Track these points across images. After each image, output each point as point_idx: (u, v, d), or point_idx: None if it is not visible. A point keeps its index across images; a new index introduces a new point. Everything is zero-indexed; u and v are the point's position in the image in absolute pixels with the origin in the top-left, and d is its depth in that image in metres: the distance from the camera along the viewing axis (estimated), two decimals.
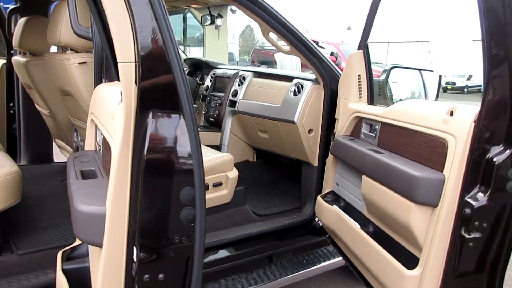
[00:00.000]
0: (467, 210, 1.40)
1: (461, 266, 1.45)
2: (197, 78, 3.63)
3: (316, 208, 2.44)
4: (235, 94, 3.08)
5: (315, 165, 2.68)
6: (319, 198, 2.40)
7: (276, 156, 3.10)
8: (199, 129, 3.15)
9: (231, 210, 2.55)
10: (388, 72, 2.36)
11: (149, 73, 1.02)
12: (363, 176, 1.94)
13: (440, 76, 2.47)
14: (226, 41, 18.67)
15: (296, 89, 2.68)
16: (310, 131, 2.63)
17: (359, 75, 2.26)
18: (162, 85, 1.04)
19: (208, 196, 2.37)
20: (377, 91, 2.37)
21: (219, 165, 2.43)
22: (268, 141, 2.98)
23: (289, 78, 2.78)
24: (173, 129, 1.03)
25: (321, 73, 2.51)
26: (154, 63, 1.02)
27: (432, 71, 2.48)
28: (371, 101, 2.26)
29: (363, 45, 2.23)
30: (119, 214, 1.02)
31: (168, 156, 1.03)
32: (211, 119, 3.33)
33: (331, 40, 13.52)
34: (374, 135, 2.04)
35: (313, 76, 2.64)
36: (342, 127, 2.34)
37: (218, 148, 3.19)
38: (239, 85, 3.10)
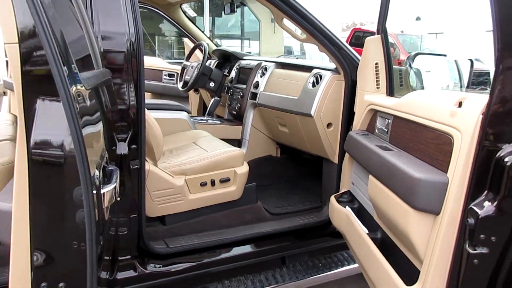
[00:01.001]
0: (471, 220, 1.17)
1: (465, 286, 1.22)
2: (226, 70, 3.54)
3: (329, 208, 2.24)
4: (256, 85, 2.94)
5: (335, 162, 2.48)
6: (332, 198, 2.21)
7: (300, 152, 2.92)
8: (218, 122, 3.07)
9: (241, 207, 2.43)
10: (411, 59, 2.10)
11: (27, 55, 0.92)
12: (369, 176, 1.73)
13: (472, 62, 2.16)
14: (282, 34, 18.41)
15: (315, 80, 2.48)
16: (329, 125, 2.43)
17: (376, 63, 2.04)
18: (38, 69, 0.93)
19: (214, 192, 2.27)
20: (401, 81, 2.13)
21: (227, 160, 2.31)
22: (288, 136, 2.82)
23: (309, 69, 2.59)
24: (52, 118, 0.93)
25: (341, 62, 2.30)
26: (30, 45, 0.92)
27: (445, 55, 2.17)
28: (390, 92, 2.02)
29: (381, 30, 2.00)
30: (21, 214, 0.94)
31: (54, 151, 0.93)
32: (233, 112, 3.21)
33: (390, 30, 12.77)
34: (387, 130, 1.81)
35: (334, 66, 2.43)
36: (358, 121, 2.13)
37: (239, 142, 3.08)
38: (261, 77, 2.96)
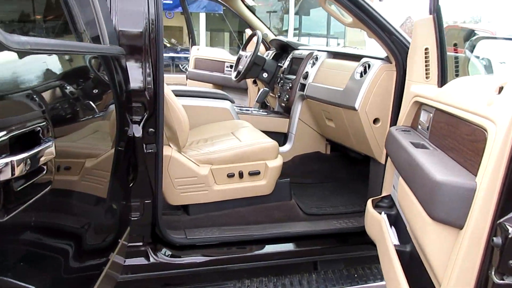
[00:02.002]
0: (498, 239, 0.89)
1: None
2: (283, 61, 3.38)
3: (365, 213, 1.99)
4: (306, 76, 2.74)
5: (382, 162, 2.21)
6: (369, 202, 1.95)
7: (348, 150, 2.67)
8: (265, 113, 2.93)
9: (271, 204, 2.27)
10: (471, 45, 1.77)
11: None
12: (399, 178, 1.47)
13: None
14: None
15: (363, 70, 2.23)
16: (375, 120, 2.16)
17: (426, 49, 1.74)
18: None
19: (242, 185, 2.15)
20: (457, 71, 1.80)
21: (258, 152, 2.17)
22: (335, 131, 2.58)
23: (360, 58, 2.34)
24: None
25: (392, 49, 2.03)
26: None
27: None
28: (442, 83, 1.72)
29: (434, 9, 1.70)
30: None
31: None
32: (282, 104, 3.05)
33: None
34: (428, 125, 1.53)
35: (385, 55, 2.16)
36: (402, 115, 1.85)
37: (285, 136, 2.90)
38: (311, 67, 2.76)
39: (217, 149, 2.13)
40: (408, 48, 2.01)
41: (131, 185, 1.75)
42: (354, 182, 2.77)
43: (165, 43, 16.43)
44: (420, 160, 1.23)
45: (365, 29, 2.07)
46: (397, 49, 2.02)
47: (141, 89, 1.70)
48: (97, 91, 1.44)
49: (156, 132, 1.77)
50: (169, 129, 1.98)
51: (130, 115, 1.70)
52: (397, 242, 1.57)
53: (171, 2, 13.66)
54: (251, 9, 3.70)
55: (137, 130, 1.73)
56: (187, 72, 4.68)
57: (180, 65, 14.86)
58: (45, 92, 1.00)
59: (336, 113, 2.41)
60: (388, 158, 1.97)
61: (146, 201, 1.82)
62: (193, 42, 4.77)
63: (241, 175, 2.14)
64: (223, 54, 4.45)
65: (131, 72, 1.69)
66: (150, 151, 1.76)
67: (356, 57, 2.39)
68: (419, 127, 1.66)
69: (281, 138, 2.91)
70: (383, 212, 1.82)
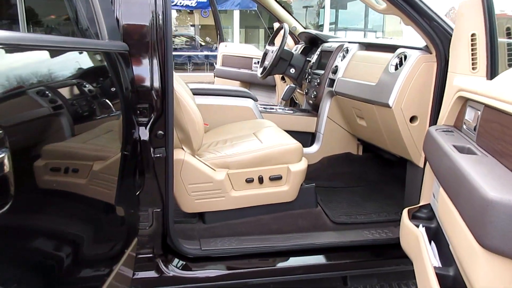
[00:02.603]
0: None
1: None
2: (312, 56, 3.16)
3: (400, 225, 1.75)
4: (335, 71, 2.52)
5: (420, 166, 1.96)
6: (404, 212, 1.71)
7: (382, 151, 2.42)
8: (291, 112, 2.72)
9: (295, 211, 2.07)
10: None
11: None
12: (440, 188, 1.24)
13: None
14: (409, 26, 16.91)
15: (398, 62, 1.98)
16: (413, 119, 1.92)
17: (473, 35, 1.49)
18: None
19: (262, 190, 1.97)
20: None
21: (280, 154, 1.97)
22: (367, 130, 2.34)
23: (393, 48, 2.09)
24: None
25: (432, 38, 1.78)
26: None
27: None
28: (492, 75, 1.46)
29: None
30: None
31: None
32: (310, 101, 2.83)
33: None
34: (475, 124, 1.28)
35: (423, 44, 1.91)
36: (444, 112, 1.61)
37: (313, 136, 2.69)
38: (341, 60, 2.53)
39: (235, 152, 1.96)
40: (451, 36, 1.75)
41: (138, 192, 1.61)
42: (389, 187, 2.52)
43: (200, 41, 16.63)
44: (466, 170, 1.00)
45: (400, 16, 1.84)
46: (438, 37, 1.77)
47: (147, 88, 1.55)
48: (102, 91, 1.31)
49: (166, 134, 1.62)
50: (181, 131, 1.83)
51: (136, 117, 1.56)
52: (437, 263, 1.33)
53: (206, 0, 13.67)
54: (279, 1, 3.49)
55: (143, 133, 1.58)
56: (214, 70, 4.55)
57: (214, 63, 14.88)
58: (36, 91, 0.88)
59: (368, 111, 2.18)
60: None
61: (155, 210, 1.67)
62: (221, 39, 4.62)
63: (261, 180, 1.95)
64: (251, 50, 4.27)
65: (136, 70, 1.54)
66: (158, 155, 1.60)
67: (391, 48, 2.15)
68: (464, 127, 1.41)
69: (308, 138, 2.70)
70: (421, 225, 1.58)
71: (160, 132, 1.61)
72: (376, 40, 2.79)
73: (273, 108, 2.71)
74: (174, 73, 2.21)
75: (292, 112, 2.71)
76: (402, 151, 2.05)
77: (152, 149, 1.60)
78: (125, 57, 1.48)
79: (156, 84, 1.56)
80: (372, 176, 2.63)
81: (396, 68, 1.97)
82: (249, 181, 1.94)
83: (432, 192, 1.69)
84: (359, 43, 2.50)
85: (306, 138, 2.68)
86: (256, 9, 14.17)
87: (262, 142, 2.05)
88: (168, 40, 1.55)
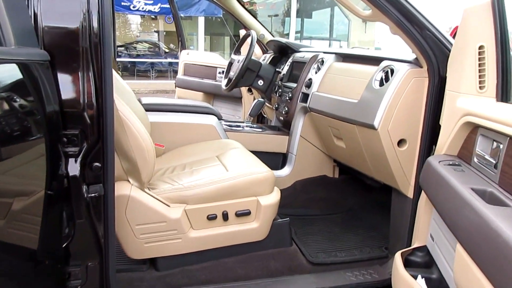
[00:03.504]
0: None
1: None
2: (281, 66, 2.87)
3: (392, 271, 1.47)
4: (309, 84, 2.24)
5: (409, 196, 1.70)
6: (397, 256, 1.44)
7: (363, 176, 2.15)
8: (259, 130, 2.41)
9: (266, 251, 1.76)
10: None
11: None
12: (457, 245, 0.96)
13: None
14: (373, 34, 17.17)
15: (384, 76, 1.72)
16: (401, 142, 1.66)
17: (481, 47, 1.23)
18: None
19: (227, 229, 1.64)
20: None
21: (248, 184, 1.66)
22: (346, 153, 2.07)
23: (377, 61, 1.83)
24: None
25: (423, 49, 1.53)
26: None
27: None
28: (504, 96, 1.21)
29: None
30: None
31: None
32: (280, 117, 2.54)
33: None
34: (495, 161, 1.02)
35: (413, 57, 1.66)
36: (445, 140, 1.34)
37: (284, 157, 2.39)
38: (316, 73, 2.25)
39: (194, 182, 1.62)
40: (446, 48, 1.51)
41: (65, 244, 1.25)
42: (370, 215, 2.26)
43: (163, 48, 16.14)
44: (507, 234, 0.72)
45: (387, 22, 1.58)
46: (431, 49, 1.52)
47: (78, 109, 1.20)
48: (10, 114, 0.98)
49: (104, 166, 1.27)
50: (126, 160, 1.48)
51: (63, 146, 1.20)
52: None
53: (169, 6, 13.26)
54: (245, 6, 3.20)
55: (73, 167, 1.22)
56: (175, 80, 4.20)
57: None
58: None
59: (348, 131, 1.90)
60: (423, 195, 1.46)
61: (89, 264, 1.31)
62: (183, 46, 4.27)
63: (225, 216, 1.63)
64: (215, 58, 3.95)
65: (63, 86, 1.19)
66: (94, 195, 1.25)
67: (373, 60, 1.89)
68: (475, 160, 1.15)
69: (279, 159, 2.40)
70: (419, 276, 1.31)
71: (97, 164, 1.26)
72: (355, 50, 2.53)
73: (239, 126, 2.40)
74: (122, 84, 1.86)
75: (261, 130, 2.40)
76: (388, 178, 1.79)
77: (85, 187, 1.25)
78: (46, 69, 1.13)
79: (90, 103, 1.21)
80: (350, 202, 2.37)
81: (382, 84, 1.71)
82: (212, 218, 1.61)
83: (429, 233, 1.43)
84: (335, 53, 2.23)
85: (276, 159, 2.38)
86: (221, 16, 13.89)
87: (227, 169, 1.73)
88: (106, 47, 1.20)
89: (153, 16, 16.73)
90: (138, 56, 15.54)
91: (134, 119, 1.45)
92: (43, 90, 1.10)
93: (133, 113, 1.46)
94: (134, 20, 17.94)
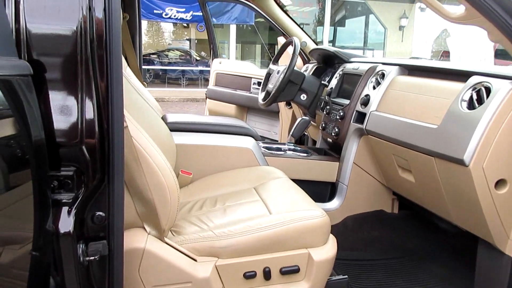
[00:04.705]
0: None
1: None
2: (326, 78, 2.50)
3: None
4: (366, 102, 1.86)
5: (507, 253, 1.30)
6: None
7: (434, 216, 1.75)
8: (304, 155, 2.05)
9: None
10: None
11: None
12: None
13: None
14: (411, 44, 16.51)
15: (475, 96, 1.32)
16: (499, 183, 1.26)
17: None
18: None
19: None
20: None
21: (297, 233, 1.29)
22: (415, 188, 1.67)
23: (464, 76, 1.43)
24: None
25: None
26: None
27: None
28: None
29: None
30: None
31: None
32: (329, 139, 2.16)
33: None
34: None
35: None
36: None
37: (333, 187, 2.01)
38: (374, 88, 1.87)
39: (228, 229, 1.27)
40: None
41: None
42: (439, 262, 1.84)
43: (195, 56, 16.06)
44: None
45: (487, 26, 1.19)
46: None
47: (72, 140, 0.88)
48: None
49: (109, 216, 0.94)
50: (141, 202, 1.15)
51: (51, 192, 0.88)
52: None
53: (202, 14, 13.16)
54: (287, 12, 2.85)
55: (64, 221, 0.89)
56: (205, 88, 3.90)
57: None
58: None
59: (421, 163, 1.51)
60: None
61: None
62: (215, 55, 3.97)
63: (267, 274, 1.27)
64: (249, 68, 3.62)
65: (54, 108, 0.87)
66: (93, 258, 0.92)
67: (455, 75, 1.49)
68: None
69: (326, 189, 2.03)
70: None
71: (100, 214, 0.93)
72: (427, 62, 2.11)
73: (280, 149, 2.03)
74: (145, 99, 1.55)
75: (306, 155, 2.03)
76: (475, 226, 1.38)
77: (82, 247, 0.92)
78: (28, 86, 0.80)
79: (90, 131, 0.89)
80: (413, 243, 1.96)
81: (472, 107, 1.31)
82: (250, 276, 1.25)
83: None
84: (399, 65, 1.85)
85: (324, 189, 2.01)
86: (253, 24, 13.69)
87: (269, 209, 1.37)
88: (114, 56, 0.88)
89: (185, 24, 16.74)
90: (169, 63, 15.56)
91: (152, 148, 1.11)
92: (19, 114, 0.77)
93: (152, 141, 1.13)
94: (167, 28, 18.04)
